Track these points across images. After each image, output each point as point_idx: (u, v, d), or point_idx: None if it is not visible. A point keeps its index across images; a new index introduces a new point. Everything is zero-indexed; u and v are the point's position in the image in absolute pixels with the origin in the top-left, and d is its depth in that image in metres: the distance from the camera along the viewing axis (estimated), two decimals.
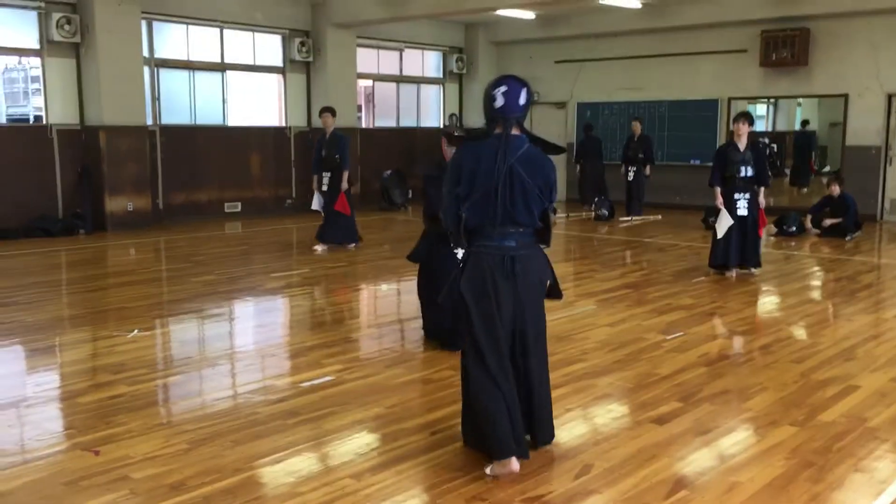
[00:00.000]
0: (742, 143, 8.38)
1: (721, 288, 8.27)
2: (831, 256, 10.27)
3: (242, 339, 6.55)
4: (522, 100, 3.78)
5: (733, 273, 8.57)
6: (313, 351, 5.83)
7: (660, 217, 14.24)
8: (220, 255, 10.03)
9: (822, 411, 4.58)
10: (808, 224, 11.99)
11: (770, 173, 9.07)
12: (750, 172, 8.36)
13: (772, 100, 19.63)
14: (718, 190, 8.50)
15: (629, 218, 13.93)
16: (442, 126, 17.14)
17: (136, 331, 6.31)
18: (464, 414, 3.99)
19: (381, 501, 3.47)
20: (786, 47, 14.13)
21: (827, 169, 19.14)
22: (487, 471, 3.71)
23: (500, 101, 3.75)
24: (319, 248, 10.44)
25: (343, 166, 10.27)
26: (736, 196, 8.42)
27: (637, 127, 14.25)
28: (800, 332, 6.50)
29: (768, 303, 7.56)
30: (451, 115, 17.56)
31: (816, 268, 9.88)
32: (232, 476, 3.69)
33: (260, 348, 6.11)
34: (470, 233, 3.77)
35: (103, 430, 4.25)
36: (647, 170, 14.15)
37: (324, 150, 10.32)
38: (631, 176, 14.22)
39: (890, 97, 13.61)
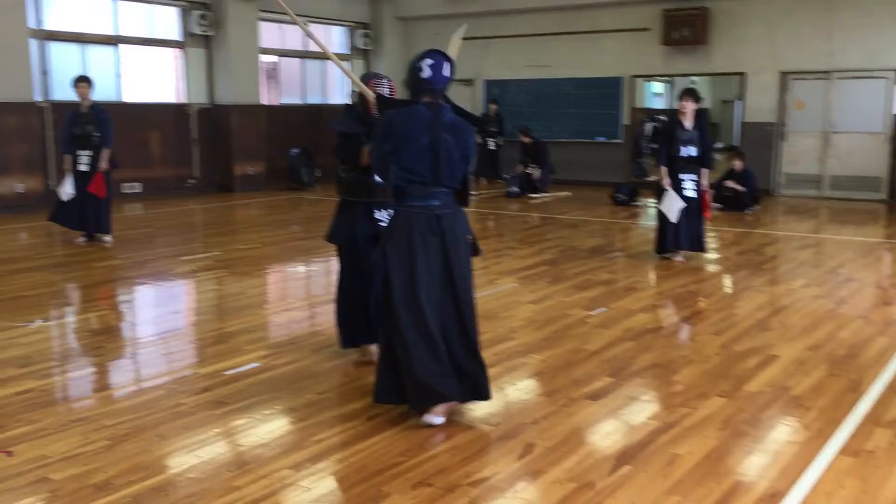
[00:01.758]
0: (688, 122, 8.04)
1: (636, 263, 8.42)
2: (734, 230, 10.63)
3: (157, 327, 6.22)
4: (447, 72, 4.01)
5: (681, 257, 8.25)
6: (234, 337, 5.61)
7: (569, 194, 14.44)
8: (123, 239, 9.54)
9: (747, 381, 4.70)
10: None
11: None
12: (693, 152, 8.04)
13: (668, 78, 20.15)
14: (665, 170, 8.13)
15: (538, 195, 14.06)
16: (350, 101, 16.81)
17: (38, 321, 5.92)
18: (385, 371, 4.09)
19: (323, 492, 3.35)
20: (686, 26, 14.49)
21: (720, 145, 19.82)
22: (428, 419, 3.98)
23: (427, 73, 3.97)
24: (83, 239, 9.27)
25: (105, 144, 9.06)
26: (682, 177, 8.07)
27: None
28: (716, 305, 6.68)
29: (682, 276, 7.74)
30: (355, 93, 17.28)
31: (722, 241, 10.19)
32: (162, 472, 3.50)
33: (177, 336, 5.83)
34: (396, 193, 3.96)
35: (14, 428, 3.95)
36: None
37: (78, 127, 9.02)
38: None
39: (784, 75, 14.16)
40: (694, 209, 8.11)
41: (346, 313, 4.93)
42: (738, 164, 12.38)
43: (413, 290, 3.91)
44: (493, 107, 16.04)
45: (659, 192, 8.31)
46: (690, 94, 8.13)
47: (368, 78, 4.72)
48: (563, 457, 3.68)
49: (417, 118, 3.95)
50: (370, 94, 4.59)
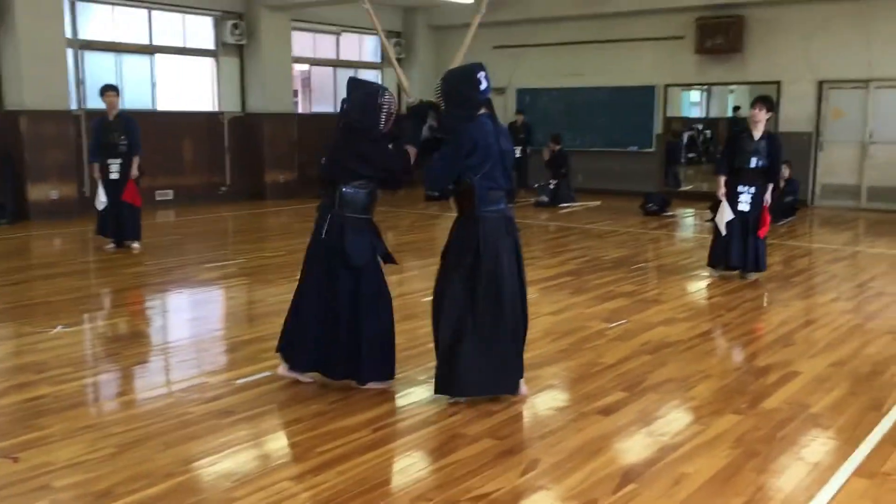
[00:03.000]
0: (758, 132, 7.58)
1: (662, 275, 8.31)
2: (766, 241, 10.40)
3: (174, 334, 6.29)
4: (491, 83, 4.39)
5: (716, 273, 8.00)
6: (249, 345, 5.63)
7: (599, 203, 14.31)
8: (150, 245, 9.65)
9: (765, 398, 4.59)
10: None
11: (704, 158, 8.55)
12: (760, 164, 7.57)
13: (705, 86, 19.93)
14: (723, 180, 7.74)
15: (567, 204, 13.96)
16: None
17: (59, 327, 6.00)
18: (447, 365, 4.34)
19: None
20: (720, 34, 14.30)
21: None
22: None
23: (483, 85, 4.27)
24: (111, 246, 9.37)
25: (134, 152, 9.17)
26: (740, 189, 7.65)
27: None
28: (739, 318, 6.53)
29: (707, 289, 7.61)
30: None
31: None
32: (163, 481, 3.50)
33: (193, 343, 5.87)
34: (478, 201, 4.25)
35: (23, 434, 3.99)
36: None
37: (106, 136, 9.12)
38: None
39: (820, 84, 13.90)
40: (750, 225, 7.71)
41: (389, 344, 4.64)
42: (785, 173, 12.10)
43: (500, 290, 4.29)
44: (519, 117, 16.16)
45: (715, 204, 7.97)
46: (763, 101, 7.66)
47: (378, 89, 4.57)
48: (567, 473, 3.61)
49: (487, 130, 4.28)
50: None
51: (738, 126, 19.22)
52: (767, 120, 7.65)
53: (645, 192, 13.71)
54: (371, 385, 4.63)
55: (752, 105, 7.71)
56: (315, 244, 4.62)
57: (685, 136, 17.92)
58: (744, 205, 7.70)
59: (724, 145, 8.16)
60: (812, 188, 14.17)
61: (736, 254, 7.79)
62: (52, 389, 4.65)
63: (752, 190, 7.67)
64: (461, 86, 4.27)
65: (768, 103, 7.66)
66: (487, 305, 4.29)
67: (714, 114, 21.56)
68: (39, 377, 4.86)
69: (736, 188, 7.71)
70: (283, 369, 4.76)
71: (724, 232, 7.76)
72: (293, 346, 4.68)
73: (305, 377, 4.73)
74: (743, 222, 7.71)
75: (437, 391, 4.41)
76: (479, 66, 4.28)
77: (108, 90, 9.25)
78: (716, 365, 5.28)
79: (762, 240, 7.81)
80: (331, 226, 4.52)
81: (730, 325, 6.31)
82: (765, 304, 7.12)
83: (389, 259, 4.71)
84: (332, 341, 4.55)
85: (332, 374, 4.63)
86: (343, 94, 4.74)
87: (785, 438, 4.03)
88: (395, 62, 5.34)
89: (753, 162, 7.61)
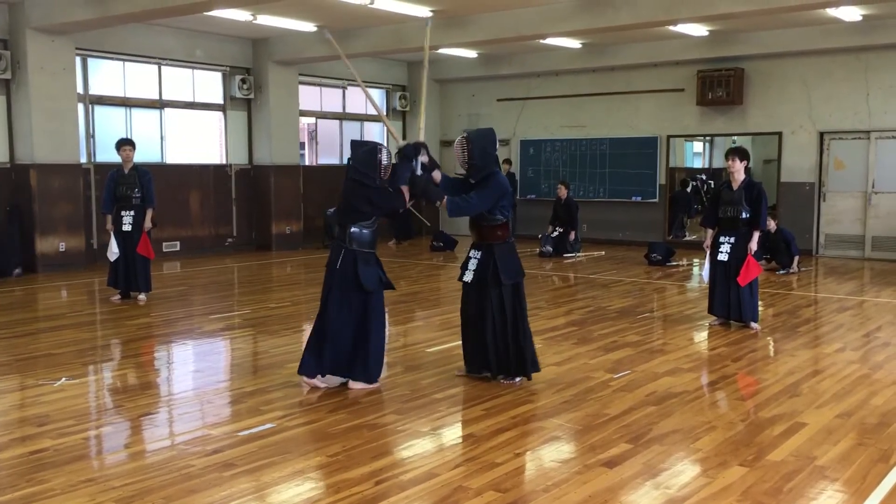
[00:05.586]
0: (736, 182, 7.74)
1: (666, 325, 8.29)
2: (771, 291, 10.42)
3: (178, 386, 6.28)
4: None
5: (716, 321, 8.08)
6: (253, 397, 5.61)
7: (603, 253, 14.34)
8: (157, 297, 9.70)
9: (771, 450, 4.54)
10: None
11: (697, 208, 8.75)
12: (736, 213, 7.69)
13: (708, 137, 20.11)
14: (710, 232, 7.97)
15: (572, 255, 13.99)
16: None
17: (63, 379, 6.00)
18: (521, 354, 5.80)
19: None
20: (721, 86, 14.49)
21: None
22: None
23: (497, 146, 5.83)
24: (117, 297, 9.46)
25: (149, 204, 9.33)
26: (721, 239, 7.80)
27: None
28: (745, 369, 6.50)
29: (713, 339, 7.58)
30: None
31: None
32: None
33: (196, 395, 5.85)
34: (508, 229, 5.81)
35: (24, 488, 3.97)
36: (571, 236, 14.03)
37: (120, 188, 9.26)
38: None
39: (822, 135, 14.02)
40: (731, 274, 7.73)
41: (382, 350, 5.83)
42: (772, 225, 12.16)
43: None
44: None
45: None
46: (736, 152, 7.78)
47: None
48: None
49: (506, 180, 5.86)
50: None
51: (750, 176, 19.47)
52: (747, 169, 7.86)
53: (649, 242, 13.74)
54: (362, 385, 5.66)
55: (726, 157, 7.87)
56: (330, 273, 5.64)
57: (689, 186, 18.05)
58: (723, 255, 7.81)
59: (709, 198, 8.37)
60: (816, 238, 14.19)
61: (718, 302, 7.94)
62: (53, 443, 4.63)
63: (732, 240, 7.79)
64: (489, 146, 5.65)
65: (740, 153, 7.78)
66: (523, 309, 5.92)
67: (717, 164, 21.79)
68: (41, 430, 4.85)
69: (718, 238, 7.88)
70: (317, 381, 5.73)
71: (705, 282, 8.12)
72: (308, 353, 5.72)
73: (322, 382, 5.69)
74: (725, 272, 7.82)
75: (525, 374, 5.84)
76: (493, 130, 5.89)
77: (125, 144, 9.44)
78: (721, 416, 5.24)
79: (744, 288, 7.75)
80: (344, 259, 5.55)
81: (735, 376, 6.27)
82: (771, 354, 7.09)
83: (390, 286, 5.83)
84: (344, 348, 5.63)
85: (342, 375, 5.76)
86: (347, 145, 5.76)
87: (792, 491, 3.98)
88: (384, 117, 6.58)
89: (733, 212, 7.76)
